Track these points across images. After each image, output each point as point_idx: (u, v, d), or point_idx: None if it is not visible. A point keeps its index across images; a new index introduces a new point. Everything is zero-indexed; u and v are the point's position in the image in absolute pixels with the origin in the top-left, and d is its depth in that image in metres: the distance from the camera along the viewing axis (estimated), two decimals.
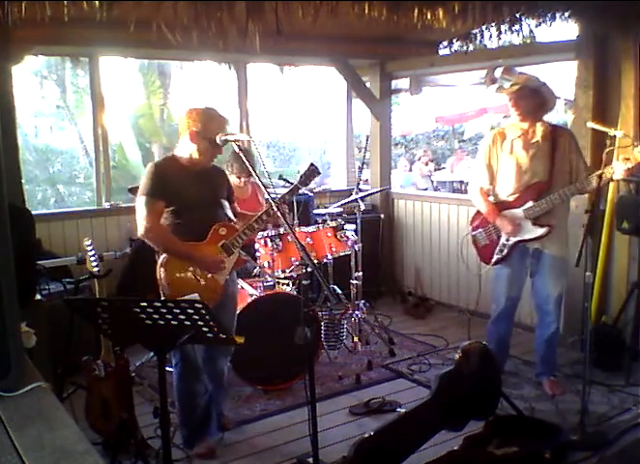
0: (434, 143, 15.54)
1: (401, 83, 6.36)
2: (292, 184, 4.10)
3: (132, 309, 2.06)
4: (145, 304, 2.04)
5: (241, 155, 2.93)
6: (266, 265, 4.10)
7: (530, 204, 3.66)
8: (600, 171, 3.38)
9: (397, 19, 3.55)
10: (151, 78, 10.95)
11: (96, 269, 3.14)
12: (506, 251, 3.79)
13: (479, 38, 5.14)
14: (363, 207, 4.92)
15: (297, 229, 4.22)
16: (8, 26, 3.18)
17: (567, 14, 4.11)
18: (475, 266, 4.44)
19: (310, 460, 2.77)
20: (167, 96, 11.48)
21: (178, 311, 2.04)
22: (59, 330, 3.27)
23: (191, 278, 3.03)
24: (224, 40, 3.41)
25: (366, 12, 3.41)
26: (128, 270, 4.67)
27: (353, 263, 4.79)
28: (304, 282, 3.86)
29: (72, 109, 11.44)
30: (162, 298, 2.97)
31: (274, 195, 3.03)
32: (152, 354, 3.91)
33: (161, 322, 2.08)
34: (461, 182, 11.31)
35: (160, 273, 2.98)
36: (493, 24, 4.46)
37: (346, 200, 5.03)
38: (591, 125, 3.71)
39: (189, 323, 2.07)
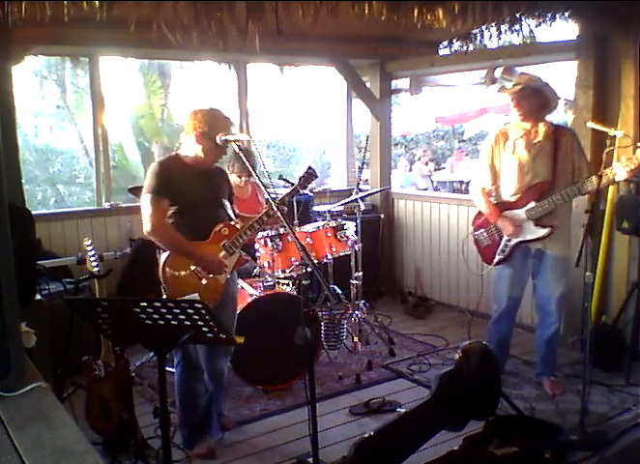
0: (434, 143, 15.55)
1: (401, 83, 6.36)
2: (292, 184, 4.13)
3: (132, 309, 2.06)
4: (145, 304, 2.04)
5: (241, 155, 2.94)
6: (266, 265, 4.10)
7: (532, 204, 3.66)
8: (600, 173, 3.37)
9: (397, 19, 3.55)
10: (151, 78, 10.96)
11: (96, 269, 3.14)
12: (507, 252, 3.79)
13: (479, 38, 5.14)
14: (363, 207, 4.92)
15: (297, 229, 4.22)
16: (8, 26, 3.18)
17: (567, 14, 4.11)
18: (475, 266, 4.44)
19: (310, 460, 2.77)
20: (167, 96, 11.48)
21: (178, 311, 2.04)
22: (59, 330, 3.27)
23: (193, 277, 3.04)
24: (224, 40, 3.41)
25: (366, 12, 3.41)
26: (128, 270, 4.67)
27: (353, 263, 4.79)
28: (304, 282, 3.84)
29: (72, 109, 11.45)
30: (164, 296, 2.99)
31: (273, 195, 3.04)
32: (152, 354, 3.92)
33: (161, 322, 2.08)
34: (461, 182, 11.32)
35: (163, 271, 2.99)
36: (493, 24, 4.46)
37: (346, 200, 5.03)
38: (591, 125, 3.71)
39: (188, 323, 2.07)
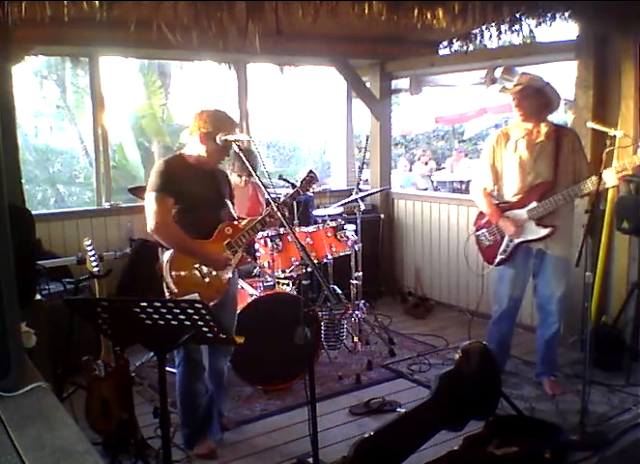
0: (434, 143, 15.55)
1: (401, 83, 6.36)
2: (292, 184, 4.14)
3: (132, 309, 2.06)
4: (145, 304, 2.04)
5: (241, 155, 2.96)
6: (266, 265, 4.10)
7: (534, 204, 3.65)
8: (600, 173, 3.37)
9: (397, 19, 3.55)
10: (151, 78, 10.95)
11: (96, 269, 3.14)
12: (509, 252, 3.79)
13: (479, 38, 5.14)
14: (363, 207, 4.92)
15: (297, 229, 4.22)
16: (8, 26, 3.18)
17: (567, 14, 4.11)
18: (476, 266, 4.43)
19: (310, 460, 2.77)
20: (167, 96, 11.48)
21: (178, 311, 2.04)
22: (59, 330, 3.27)
23: (197, 276, 3.05)
24: (224, 40, 3.41)
25: (366, 12, 3.41)
26: (128, 270, 4.68)
27: (353, 263, 4.79)
28: (304, 282, 3.86)
29: (72, 109, 11.44)
30: (167, 294, 3.00)
31: (273, 195, 3.05)
32: (152, 354, 3.91)
33: (161, 322, 2.08)
34: (461, 182, 11.33)
35: (166, 269, 3.00)
36: (493, 24, 4.47)
37: (346, 200, 5.03)
38: (591, 125, 3.71)
39: (188, 323, 2.07)
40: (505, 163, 3.76)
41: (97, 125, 5.28)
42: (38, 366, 1.77)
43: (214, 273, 3.09)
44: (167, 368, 2.47)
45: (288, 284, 4.27)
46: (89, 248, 3.18)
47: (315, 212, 5.32)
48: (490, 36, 4.83)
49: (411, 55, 5.90)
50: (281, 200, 3.35)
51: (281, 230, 4.08)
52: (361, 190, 5.06)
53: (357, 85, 6.22)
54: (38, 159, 11.27)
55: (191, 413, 3.24)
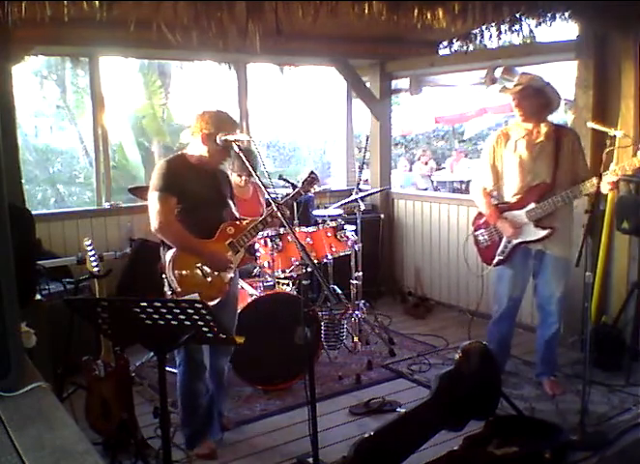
0: (434, 143, 15.56)
1: (401, 83, 6.36)
2: (292, 184, 4.14)
3: (132, 309, 2.06)
4: (145, 303, 2.04)
5: (241, 155, 2.96)
6: (266, 265, 4.09)
7: (532, 206, 3.65)
8: (600, 173, 3.37)
9: (397, 19, 3.55)
10: (151, 78, 10.95)
11: (96, 269, 3.15)
12: (507, 253, 3.79)
13: (479, 38, 5.14)
14: (363, 207, 4.92)
15: (297, 229, 4.22)
16: (8, 26, 3.18)
17: (567, 14, 4.11)
18: (475, 266, 4.44)
19: (310, 460, 2.77)
20: (167, 96, 11.48)
21: (178, 311, 2.04)
22: (59, 330, 3.27)
23: (199, 275, 3.06)
24: (224, 40, 3.41)
25: (366, 12, 3.41)
26: (128, 270, 4.68)
27: (353, 263, 4.79)
28: (304, 282, 3.86)
29: (72, 109, 11.44)
30: (169, 292, 3.01)
31: (273, 195, 3.06)
32: (152, 354, 3.91)
33: (161, 322, 2.08)
34: (461, 182, 11.32)
35: (169, 268, 3.00)
36: (493, 24, 4.46)
37: (346, 200, 5.03)
38: (591, 125, 3.71)
39: (189, 323, 2.07)
40: (505, 163, 3.76)
41: (97, 125, 5.28)
42: (38, 366, 1.77)
43: (216, 272, 3.10)
44: (167, 368, 2.47)
45: (288, 284, 4.27)
46: (89, 248, 3.19)
47: (315, 212, 5.32)
48: (490, 36, 4.83)
49: (411, 55, 5.90)
50: (282, 200, 3.37)
51: (281, 230, 4.08)
52: (361, 190, 5.06)
53: (357, 85, 6.22)
54: (38, 159, 11.26)
55: (192, 413, 3.24)
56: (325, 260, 4.36)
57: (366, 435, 2.51)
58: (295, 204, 4.21)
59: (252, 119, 6.04)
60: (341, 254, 4.43)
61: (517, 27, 4.30)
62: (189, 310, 2.03)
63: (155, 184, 3.02)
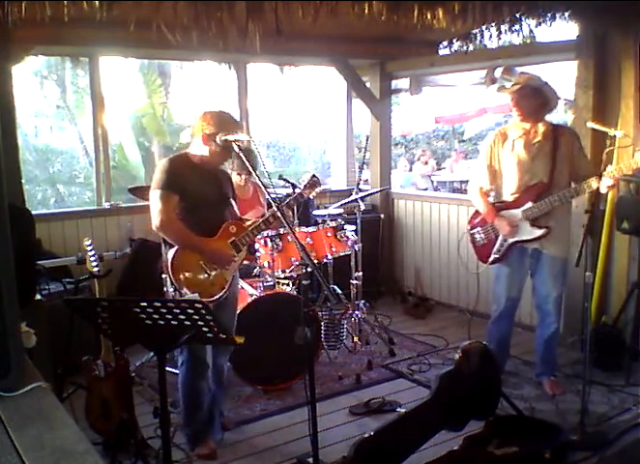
0: (434, 143, 15.55)
1: (401, 83, 6.36)
2: (292, 184, 4.15)
3: (132, 309, 2.06)
4: (145, 303, 2.04)
5: (241, 155, 2.97)
6: (266, 265, 4.10)
7: (529, 205, 3.65)
8: (600, 173, 3.37)
9: (397, 19, 3.55)
10: (151, 78, 10.95)
11: (96, 269, 3.15)
12: (503, 251, 3.79)
13: (479, 38, 5.13)
14: (363, 207, 4.92)
15: (297, 229, 4.22)
16: (8, 26, 3.18)
17: (567, 14, 4.11)
18: (474, 266, 4.43)
19: (310, 460, 2.77)
20: (167, 95, 11.48)
21: (178, 311, 2.04)
22: (59, 330, 3.27)
23: (201, 273, 3.07)
24: (224, 40, 3.41)
25: (366, 12, 3.41)
26: (128, 270, 4.68)
27: (353, 263, 4.79)
28: (304, 282, 3.86)
29: (72, 109, 11.43)
30: (170, 291, 3.01)
31: (273, 195, 3.07)
32: (152, 354, 3.91)
33: (161, 322, 2.08)
34: (461, 182, 11.31)
35: (170, 266, 3.01)
36: (493, 24, 4.46)
37: (346, 200, 5.03)
38: (591, 125, 3.71)
39: (189, 323, 2.07)
40: (502, 163, 3.76)
41: (97, 125, 5.29)
42: (38, 366, 1.77)
43: (218, 271, 3.11)
44: (167, 368, 2.47)
45: (288, 284, 4.27)
46: (89, 248, 3.19)
47: (315, 212, 5.33)
48: (490, 36, 4.82)
49: (411, 55, 5.90)
50: (285, 202, 3.38)
51: (281, 230, 4.08)
52: (361, 190, 5.06)
53: (357, 85, 6.22)
54: (38, 159, 11.26)
55: (194, 412, 3.24)
56: (325, 260, 4.36)
57: (366, 435, 2.51)
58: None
59: (252, 119, 6.05)
60: (341, 254, 4.43)
61: (517, 27, 4.29)
62: (189, 310, 2.03)
63: (156, 182, 3.03)
